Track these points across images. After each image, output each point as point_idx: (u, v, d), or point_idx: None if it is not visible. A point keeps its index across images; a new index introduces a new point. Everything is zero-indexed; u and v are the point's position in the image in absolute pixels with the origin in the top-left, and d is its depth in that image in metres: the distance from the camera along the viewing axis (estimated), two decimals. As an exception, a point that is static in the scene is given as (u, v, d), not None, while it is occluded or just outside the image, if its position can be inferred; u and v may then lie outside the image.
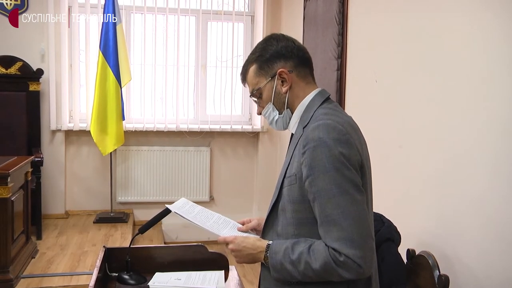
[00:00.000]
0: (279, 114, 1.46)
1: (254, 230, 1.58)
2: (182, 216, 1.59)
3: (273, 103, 1.45)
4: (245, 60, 1.51)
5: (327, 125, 1.29)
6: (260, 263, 1.44)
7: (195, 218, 1.60)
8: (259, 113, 1.52)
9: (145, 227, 1.87)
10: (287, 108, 1.45)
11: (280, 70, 1.42)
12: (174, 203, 1.70)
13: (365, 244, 1.25)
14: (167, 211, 1.78)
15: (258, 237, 1.47)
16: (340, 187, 1.25)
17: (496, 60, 1.74)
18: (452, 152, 1.98)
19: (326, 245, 1.26)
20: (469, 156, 1.87)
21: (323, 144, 1.26)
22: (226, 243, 1.46)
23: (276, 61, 1.43)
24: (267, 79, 1.44)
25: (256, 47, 1.48)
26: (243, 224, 1.60)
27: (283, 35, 1.48)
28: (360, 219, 1.25)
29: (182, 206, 1.67)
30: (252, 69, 1.47)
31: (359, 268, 1.24)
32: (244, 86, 1.53)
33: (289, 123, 1.47)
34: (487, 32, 1.78)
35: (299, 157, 1.32)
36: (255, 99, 1.50)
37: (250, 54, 1.49)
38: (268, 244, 1.37)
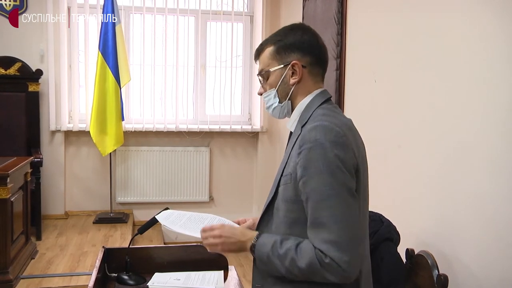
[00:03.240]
0: (279, 103, 1.44)
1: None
2: (169, 228, 1.57)
3: (277, 90, 1.43)
4: (264, 39, 1.48)
5: (324, 127, 1.28)
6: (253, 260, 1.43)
7: (184, 226, 1.57)
8: (260, 94, 1.50)
9: (144, 228, 1.87)
10: (288, 99, 1.43)
11: (295, 61, 1.40)
12: (160, 213, 1.67)
13: (352, 249, 1.24)
14: (165, 210, 1.77)
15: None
16: (333, 190, 1.24)
17: (495, 59, 1.74)
18: (451, 151, 1.98)
19: (314, 246, 1.26)
20: (469, 156, 1.87)
21: (319, 145, 1.25)
22: (212, 230, 1.42)
23: (294, 51, 1.40)
24: (279, 65, 1.42)
25: (281, 29, 1.45)
26: (238, 224, 1.59)
27: (310, 29, 1.45)
28: (350, 223, 1.24)
29: (167, 217, 1.64)
30: (269, 50, 1.43)
31: (343, 272, 1.23)
32: (256, 62, 1.50)
33: (285, 114, 1.46)
34: (487, 31, 1.78)
35: (295, 157, 1.31)
36: (261, 79, 1.48)
37: (272, 34, 1.46)
38: (258, 235, 1.37)
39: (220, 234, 1.40)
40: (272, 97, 1.45)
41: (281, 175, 1.37)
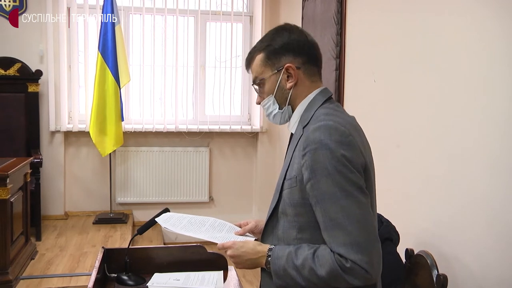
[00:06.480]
0: (279, 109, 1.39)
1: (251, 232, 1.52)
2: (171, 230, 1.53)
3: (274, 96, 1.39)
4: (252, 47, 1.43)
5: (329, 127, 1.23)
6: (259, 268, 1.38)
7: (185, 228, 1.54)
8: (258, 103, 1.45)
9: (143, 228, 1.87)
10: (288, 104, 1.38)
11: (288, 65, 1.34)
12: (160, 216, 1.64)
13: (372, 248, 1.19)
14: (165, 210, 1.76)
15: (258, 241, 1.40)
16: (344, 190, 1.19)
17: (495, 59, 1.74)
18: (450, 151, 1.99)
19: (331, 250, 1.21)
20: (468, 156, 1.87)
21: (325, 146, 1.21)
22: (225, 249, 1.38)
23: (285, 54, 1.35)
24: (273, 71, 1.37)
25: (266, 35, 1.40)
26: (240, 227, 1.54)
27: (297, 27, 1.40)
28: (366, 222, 1.20)
29: (167, 220, 1.60)
30: (259, 57, 1.38)
31: (366, 274, 1.18)
32: (248, 72, 1.46)
33: (287, 119, 1.41)
34: (487, 31, 1.78)
35: (299, 159, 1.26)
36: (257, 87, 1.42)
37: (259, 41, 1.41)
38: (270, 249, 1.32)
39: (231, 254, 1.36)
40: (271, 104, 1.40)
41: (284, 178, 1.32)
